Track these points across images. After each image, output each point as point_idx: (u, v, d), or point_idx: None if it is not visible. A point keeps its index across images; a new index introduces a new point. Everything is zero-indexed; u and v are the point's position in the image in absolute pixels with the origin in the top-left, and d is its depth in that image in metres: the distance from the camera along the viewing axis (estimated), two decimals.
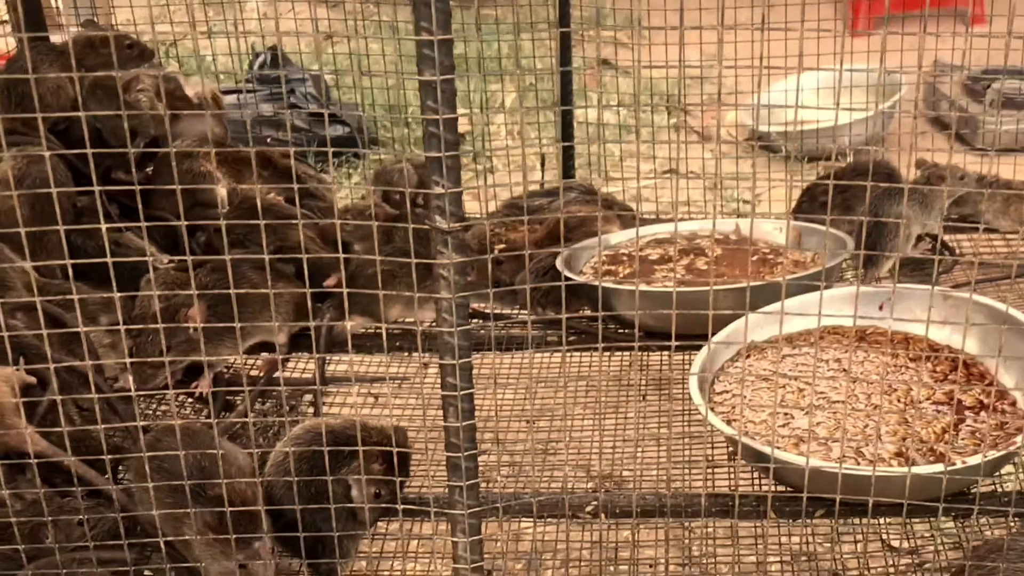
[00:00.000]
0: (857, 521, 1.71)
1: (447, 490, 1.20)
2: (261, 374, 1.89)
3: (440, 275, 1.13)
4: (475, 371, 1.98)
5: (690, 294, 1.92)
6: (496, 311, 2.09)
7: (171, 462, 1.43)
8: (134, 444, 1.56)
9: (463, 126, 3.95)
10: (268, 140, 3.39)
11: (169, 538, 1.46)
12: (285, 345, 1.91)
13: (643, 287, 2.00)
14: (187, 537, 1.46)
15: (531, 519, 1.63)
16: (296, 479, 1.44)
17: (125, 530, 1.50)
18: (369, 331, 1.98)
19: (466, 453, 1.18)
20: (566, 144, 2.46)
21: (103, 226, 1.86)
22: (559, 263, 2.05)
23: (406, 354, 1.97)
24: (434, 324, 2.00)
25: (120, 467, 1.65)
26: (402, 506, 1.36)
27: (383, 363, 1.95)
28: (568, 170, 2.47)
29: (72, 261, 1.61)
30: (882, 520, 1.76)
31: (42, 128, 1.85)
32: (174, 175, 2.03)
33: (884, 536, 1.83)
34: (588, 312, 2.07)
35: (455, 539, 1.22)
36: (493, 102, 4.03)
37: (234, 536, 1.41)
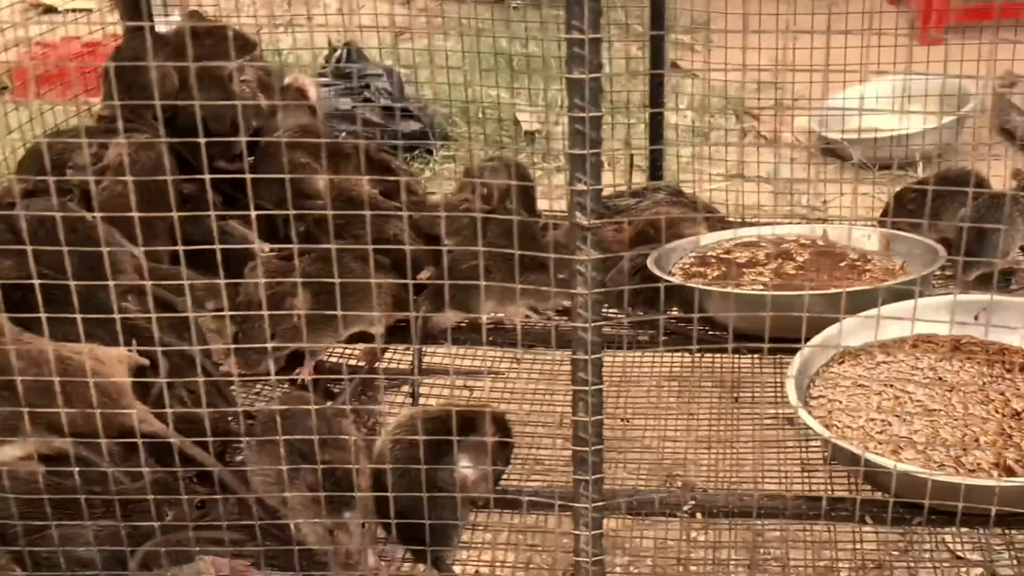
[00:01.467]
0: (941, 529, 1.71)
1: (571, 484, 1.22)
2: (362, 364, 1.92)
3: (578, 271, 1.15)
4: (557, 369, 2.02)
5: (782, 298, 1.93)
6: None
7: (287, 429, 1.45)
8: (247, 424, 1.60)
9: (532, 124, 3.97)
10: (343, 134, 3.43)
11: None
12: (382, 336, 1.94)
13: (739, 290, 2.01)
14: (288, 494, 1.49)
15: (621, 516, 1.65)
16: (405, 467, 1.47)
17: (236, 513, 1.54)
18: (463, 324, 2.01)
19: (593, 448, 1.19)
20: (654, 148, 2.47)
21: (212, 213, 1.91)
22: (651, 264, 2.06)
23: (500, 349, 2.00)
24: (528, 318, 2.03)
25: (226, 452, 1.69)
26: (527, 498, 1.38)
27: (476, 356, 1.98)
28: (656, 172, 2.48)
29: (185, 248, 1.66)
30: (962, 529, 1.76)
31: (161, 116, 1.89)
32: (276, 165, 2.07)
33: (958, 546, 1.83)
34: (677, 313, 2.08)
35: (578, 532, 1.23)
36: (557, 102, 4.04)
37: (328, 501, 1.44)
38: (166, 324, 1.74)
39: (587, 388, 1.18)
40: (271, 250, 1.97)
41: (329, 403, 1.68)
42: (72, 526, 1.44)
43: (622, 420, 1.86)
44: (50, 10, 4.37)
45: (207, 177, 1.76)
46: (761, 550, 1.60)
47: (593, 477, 1.21)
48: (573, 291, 1.15)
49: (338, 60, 3.57)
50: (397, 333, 1.99)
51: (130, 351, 1.65)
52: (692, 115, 3.97)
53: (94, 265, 1.74)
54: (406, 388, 1.88)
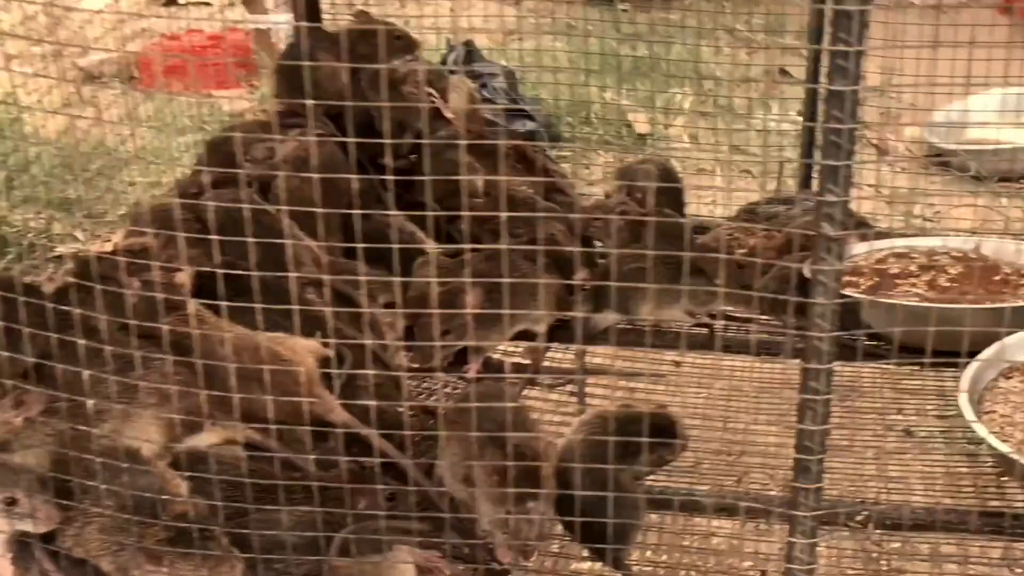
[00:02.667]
0: None
1: (789, 492, 1.23)
2: (527, 362, 1.95)
3: (819, 281, 1.15)
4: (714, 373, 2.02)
5: (942, 310, 1.92)
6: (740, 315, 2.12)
7: (479, 421, 1.47)
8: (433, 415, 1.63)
9: (644, 126, 3.98)
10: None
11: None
12: (544, 335, 1.96)
13: (902, 301, 2.00)
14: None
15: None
16: (587, 466, 1.49)
17: (418, 504, 1.58)
18: (623, 326, 2.02)
19: (817, 457, 1.20)
20: (807, 161, 2.47)
21: (394, 213, 1.94)
22: (806, 271, 2.06)
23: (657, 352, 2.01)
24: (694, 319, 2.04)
25: (404, 444, 1.72)
26: (745, 504, 1.39)
27: (635, 358, 2.00)
28: (806, 180, 2.48)
29: (369, 245, 1.69)
30: None
31: (350, 117, 1.92)
32: (438, 163, 2.10)
33: None
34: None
35: (793, 540, 1.24)
36: (671, 104, 4.04)
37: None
38: (346, 317, 1.79)
39: (818, 398, 1.19)
40: (436, 248, 2.00)
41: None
42: (272, 511, 1.48)
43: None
44: (171, 2, 4.47)
45: (389, 177, 1.81)
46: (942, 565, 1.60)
47: (814, 486, 1.22)
48: (813, 301, 1.16)
49: (454, 60, 3.61)
50: (554, 332, 2.01)
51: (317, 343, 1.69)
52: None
53: (277, 257, 1.79)
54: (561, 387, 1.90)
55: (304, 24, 2.07)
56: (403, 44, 2.15)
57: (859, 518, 1.66)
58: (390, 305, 1.87)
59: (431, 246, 1.99)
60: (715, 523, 1.62)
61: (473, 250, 1.90)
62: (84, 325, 1.46)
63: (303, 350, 1.66)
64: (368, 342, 1.71)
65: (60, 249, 3.19)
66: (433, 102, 2.13)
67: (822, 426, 1.20)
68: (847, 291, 2.08)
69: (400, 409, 1.71)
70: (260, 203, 1.85)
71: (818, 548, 1.26)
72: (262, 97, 3.46)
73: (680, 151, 3.77)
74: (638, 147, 3.80)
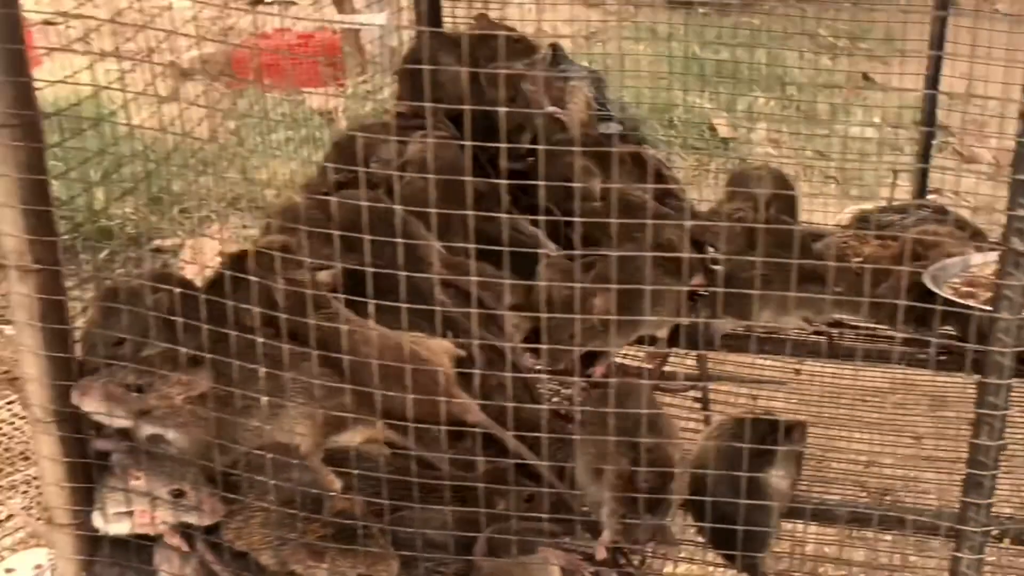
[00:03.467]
0: None
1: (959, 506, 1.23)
2: (651, 367, 1.95)
3: (1004, 296, 1.15)
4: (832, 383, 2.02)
5: None
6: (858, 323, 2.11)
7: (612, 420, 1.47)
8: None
9: (727, 130, 3.96)
10: None
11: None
12: (664, 340, 1.96)
13: None
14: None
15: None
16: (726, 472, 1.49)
17: (552, 506, 1.58)
18: (738, 331, 2.02)
19: (991, 472, 1.20)
20: (922, 167, 2.45)
21: (526, 218, 1.94)
22: (927, 281, 2.05)
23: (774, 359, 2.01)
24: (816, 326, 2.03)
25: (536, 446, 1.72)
26: (912, 517, 1.38)
27: (753, 364, 1.99)
28: (922, 190, 2.46)
29: (508, 248, 1.70)
30: None
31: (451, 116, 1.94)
32: (557, 166, 2.11)
33: None
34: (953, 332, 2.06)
35: (960, 555, 1.24)
36: (749, 109, 4.02)
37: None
38: (476, 318, 1.80)
39: (995, 413, 1.18)
40: (557, 250, 2.01)
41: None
42: (418, 509, 1.49)
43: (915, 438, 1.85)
44: (258, 1, 4.52)
45: (515, 183, 1.81)
46: None
47: (985, 501, 1.21)
48: (997, 315, 1.15)
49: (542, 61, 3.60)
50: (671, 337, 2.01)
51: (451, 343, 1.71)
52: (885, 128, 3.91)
53: (407, 257, 1.80)
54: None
55: (426, 29, 2.09)
56: (522, 48, 2.16)
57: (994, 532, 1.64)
58: (515, 307, 1.88)
59: (552, 249, 2.00)
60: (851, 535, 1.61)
61: (594, 254, 1.91)
62: (233, 319, 1.49)
63: (440, 350, 1.68)
64: (503, 344, 1.72)
65: (157, 242, 3.25)
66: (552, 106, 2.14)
67: (998, 441, 1.19)
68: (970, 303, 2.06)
69: (533, 410, 1.72)
70: (389, 203, 1.86)
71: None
72: (352, 95, 3.50)
73: (762, 155, 3.75)
74: (721, 151, 3.78)
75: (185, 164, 3.43)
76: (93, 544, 1.46)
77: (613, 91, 3.95)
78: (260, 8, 4.16)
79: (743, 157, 3.64)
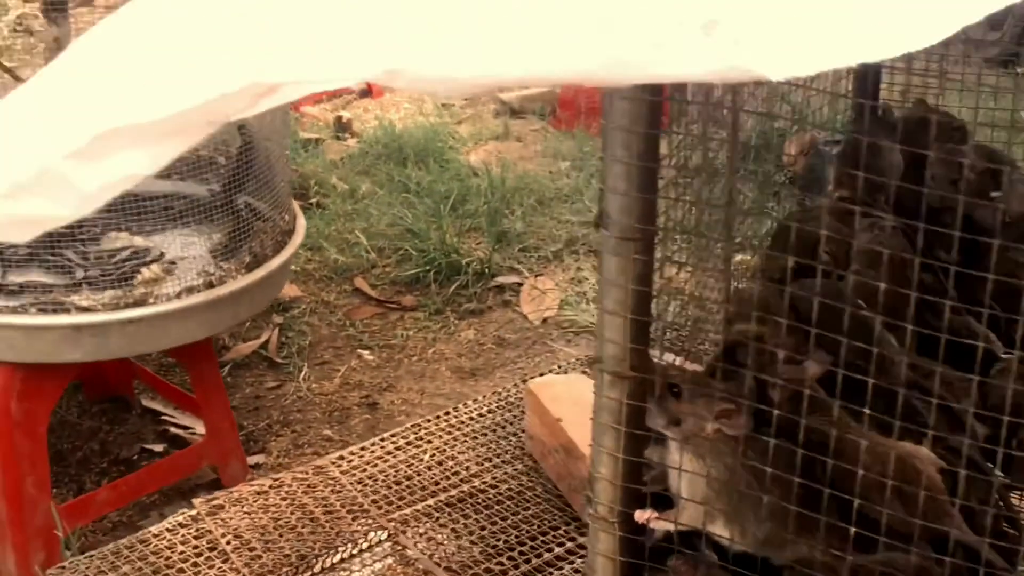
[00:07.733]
0: None
1: None
2: None
3: None
4: None
5: None
6: None
7: None
8: None
9: None
10: None
11: None
12: None
13: None
14: None
15: None
16: None
17: None
18: None
19: None
20: None
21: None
22: None
23: None
24: None
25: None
26: None
27: None
28: None
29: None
30: None
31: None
32: (997, 261, 2.03)
33: None
34: None
35: None
36: None
37: None
38: (945, 424, 1.77)
39: None
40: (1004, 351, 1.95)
41: None
42: None
43: None
44: None
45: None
46: None
47: None
48: None
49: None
50: None
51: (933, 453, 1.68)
52: None
53: (867, 356, 1.78)
54: None
55: (867, 108, 2.07)
56: (959, 136, 2.11)
57: None
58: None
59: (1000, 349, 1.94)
60: None
61: None
62: None
63: (927, 460, 1.65)
64: (978, 457, 1.69)
65: (499, 279, 3.35)
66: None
67: None
68: None
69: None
70: (849, 296, 1.85)
71: None
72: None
73: None
74: None
75: (521, 203, 3.53)
76: None
77: None
78: None
79: None
